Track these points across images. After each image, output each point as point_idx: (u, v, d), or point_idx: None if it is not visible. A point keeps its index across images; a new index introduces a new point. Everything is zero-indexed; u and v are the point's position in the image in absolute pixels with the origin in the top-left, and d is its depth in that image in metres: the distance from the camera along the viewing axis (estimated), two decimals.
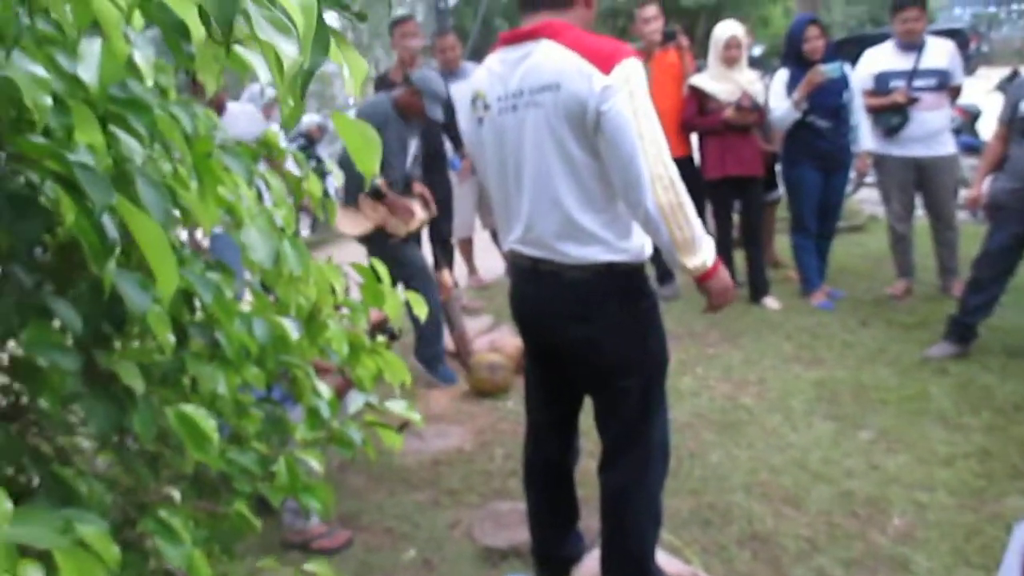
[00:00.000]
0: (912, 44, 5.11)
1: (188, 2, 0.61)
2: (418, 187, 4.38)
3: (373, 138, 1.05)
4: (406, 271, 4.15)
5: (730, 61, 5.24)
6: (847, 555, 2.75)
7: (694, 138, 5.62)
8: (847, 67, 5.22)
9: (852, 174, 5.56)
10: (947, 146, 5.15)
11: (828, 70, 4.96)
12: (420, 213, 4.30)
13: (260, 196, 1.57)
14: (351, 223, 4.17)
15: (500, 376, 4.26)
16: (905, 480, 3.20)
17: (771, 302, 5.44)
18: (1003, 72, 10.99)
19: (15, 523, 0.82)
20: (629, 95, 1.90)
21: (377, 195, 4.15)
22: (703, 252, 2.04)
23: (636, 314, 2.14)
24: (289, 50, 0.63)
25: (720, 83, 5.25)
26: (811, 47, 5.11)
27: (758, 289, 5.51)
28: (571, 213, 2.05)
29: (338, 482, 3.35)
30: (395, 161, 4.20)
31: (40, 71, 0.74)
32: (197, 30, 0.65)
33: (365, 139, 1.03)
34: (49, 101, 0.74)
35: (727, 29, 5.26)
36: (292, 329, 1.42)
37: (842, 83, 5.14)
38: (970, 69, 25.40)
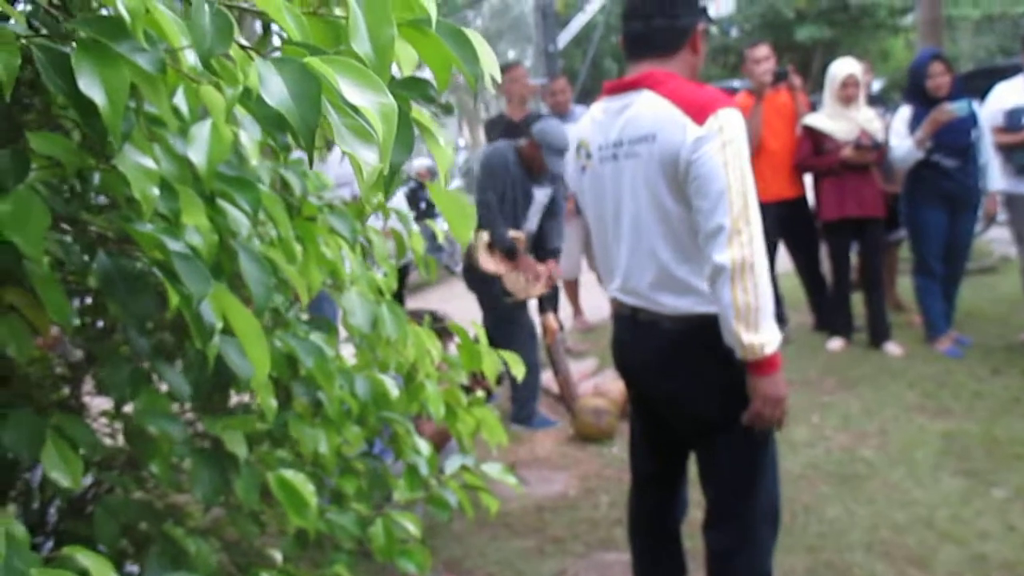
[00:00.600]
0: None
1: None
2: (552, 266, 4.38)
3: (469, 209, 1.06)
4: (511, 328, 4.18)
5: (847, 100, 5.07)
6: None
7: (808, 178, 5.46)
8: (975, 103, 4.97)
9: (980, 214, 5.25)
10: None
11: (954, 109, 4.73)
12: (541, 285, 4.33)
13: (365, 254, 1.61)
14: (491, 260, 4.22)
15: (605, 421, 4.20)
16: None
17: (892, 348, 5.19)
18: None
19: None
20: (721, 145, 1.85)
21: (511, 253, 4.20)
22: (764, 334, 1.88)
23: (733, 368, 2.03)
24: (369, 158, 0.64)
25: (836, 122, 5.09)
26: (935, 84, 4.89)
27: (878, 333, 5.27)
28: (666, 264, 2.02)
29: (441, 526, 3.36)
30: (519, 210, 4.25)
31: (149, 163, 0.78)
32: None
33: (461, 209, 1.04)
34: (156, 192, 0.77)
35: (844, 67, 5.10)
36: (392, 386, 1.44)
37: (970, 121, 4.89)
38: None
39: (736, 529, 2.17)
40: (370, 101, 0.64)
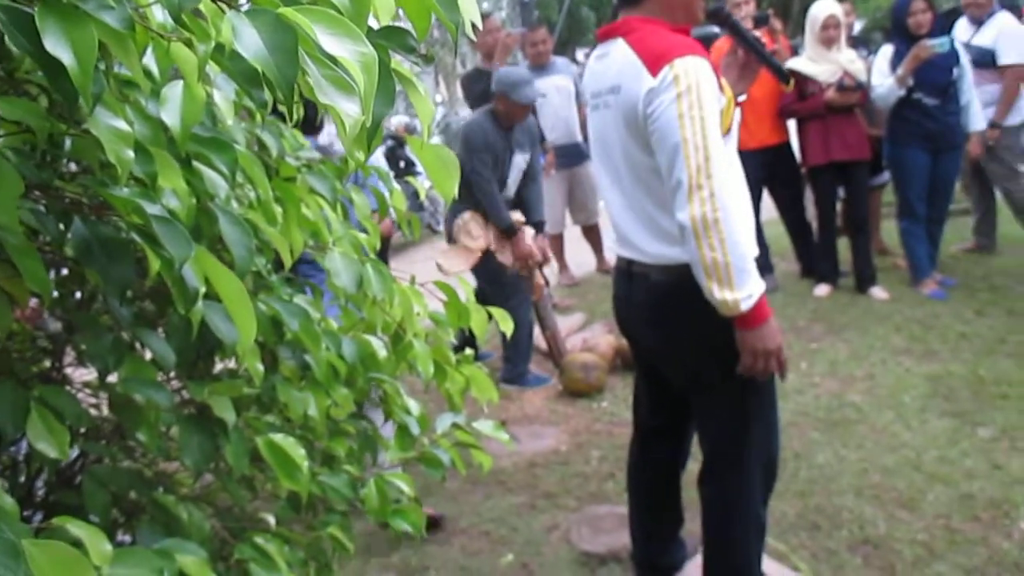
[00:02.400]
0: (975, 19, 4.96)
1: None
2: (541, 241, 4.34)
3: (451, 160, 1.04)
4: (506, 291, 4.16)
5: (828, 41, 5.02)
6: (968, 562, 2.61)
7: (791, 124, 5.43)
8: (958, 41, 4.94)
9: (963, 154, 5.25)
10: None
11: (935, 45, 4.70)
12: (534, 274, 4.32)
13: (346, 213, 1.58)
14: (458, 260, 4.17)
15: (594, 376, 4.22)
16: None
17: (878, 292, 5.22)
18: None
19: (116, 564, 0.84)
20: (675, 97, 1.78)
21: (510, 231, 4.16)
22: (739, 289, 1.83)
23: (723, 318, 1.98)
24: (351, 110, 0.62)
25: (819, 64, 5.05)
26: (916, 21, 4.85)
27: (864, 279, 5.30)
28: (651, 214, 2.00)
29: (435, 485, 3.37)
30: (505, 179, 4.21)
31: (122, 125, 0.75)
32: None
33: (442, 162, 1.02)
34: (131, 155, 0.75)
35: (825, 8, 5.02)
36: (379, 347, 1.42)
37: (952, 58, 4.86)
38: None
39: (731, 483, 2.18)
40: (349, 51, 0.61)
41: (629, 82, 1.88)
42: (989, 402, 3.66)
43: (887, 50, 5.01)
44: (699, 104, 1.79)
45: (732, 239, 1.80)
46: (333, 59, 0.62)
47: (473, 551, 2.99)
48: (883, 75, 4.94)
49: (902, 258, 5.48)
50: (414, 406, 1.52)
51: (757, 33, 5.09)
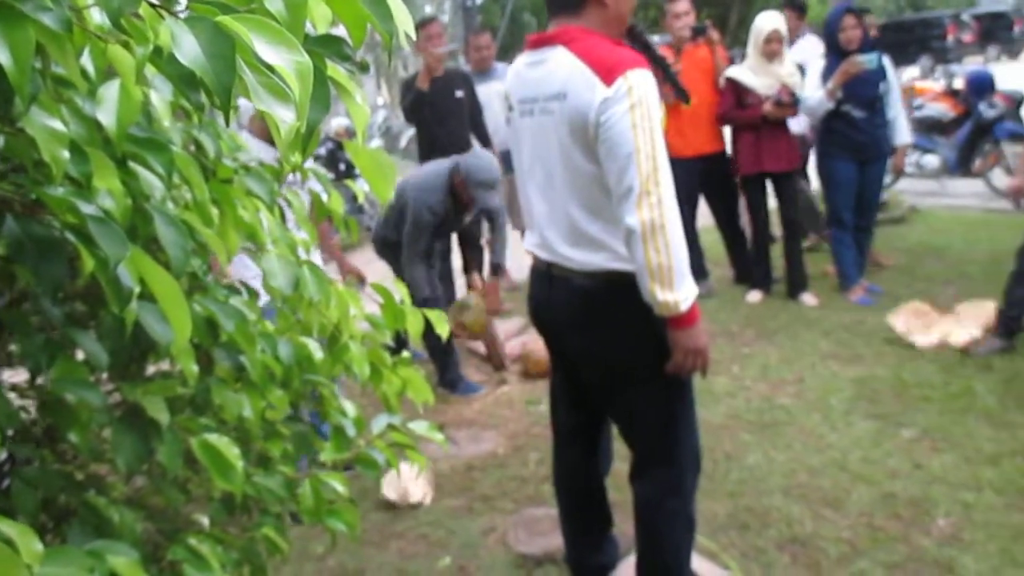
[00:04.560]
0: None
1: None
2: (476, 279, 4.47)
3: (388, 165, 1.05)
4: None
5: (771, 55, 5.17)
6: (890, 558, 2.71)
7: (728, 132, 5.56)
8: (885, 57, 5.13)
9: (889, 166, 5.45)
10: None
11: (864, 61, 4.88)
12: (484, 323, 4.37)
13: (283, 216, 1.58)
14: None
15: (468, 317, 4.26)
16: (950, 480, 3.14)
17: (808, 298, 5.37)
18: None
19: (46, 563, 0.84)
20: (629, 107, 1.86)
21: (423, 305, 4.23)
22: (679, 291, 1.92)
23: (647, 322, 2.05)
24: (286, 116, 0.64)
25: (759, 77, 5.18)
26: (847, 37, 5.02)
27: (795, 285, 5.45)
28: (577, 221, 2.05)
29: (372, 488, 3.37)
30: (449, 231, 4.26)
31: (57, 125, 0.76)
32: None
33: (379, 166, 1.03)
34: (66, 154, 0.75)
35: (769, 22, 5.16)
36: (316, 349, 1.43)
37: (879, 73, 5.05)
38: (1014, 52, 24.98)
39: (661, 477, 2.24)
40: (285, 59, 0.63)
41: (579, 90, 1.92)
42: (911, 404, 3.80)
43: (820, 63, 5.19)
44: (649, 115, 1.88)
45: (675, 243, 1.89)
46: (269, 67, 0.63)
47: (410, 554, 3.00)
48: (814, 87, 5.10)
49: (831, 266, 5.64)
50: (350, 408, 1.52)
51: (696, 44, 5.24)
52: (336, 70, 0.76)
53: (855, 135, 5.10)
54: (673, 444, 2.21)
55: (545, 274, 2.21)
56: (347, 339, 1.40)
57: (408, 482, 3.29)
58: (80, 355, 1.12)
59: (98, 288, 1.09)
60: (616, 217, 1.95)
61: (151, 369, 1.41)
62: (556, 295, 2.18)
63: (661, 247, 1.87)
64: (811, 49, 5.53)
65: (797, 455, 3.42)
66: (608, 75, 1.88)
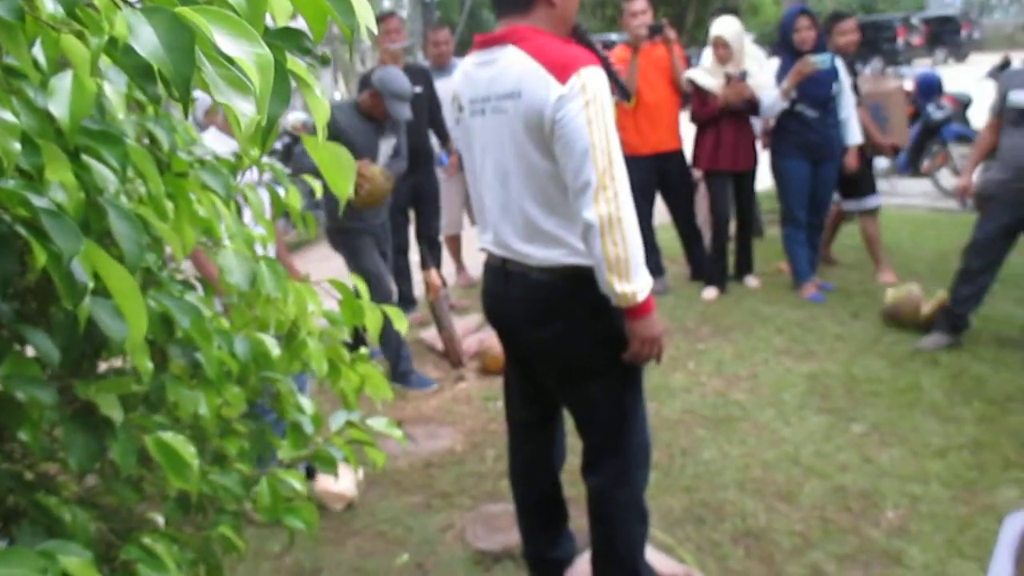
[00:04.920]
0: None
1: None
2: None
3: (346, 158, 1.04)
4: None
5: (721, 60, 5.31)
6: (841, 550, 2.76)
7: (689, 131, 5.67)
8: (838, 59, 5.23)
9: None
10: None
11: (817, 61, 4.97)
12: (388, 180, 4.23)
13: (240, 211, 1.56)
14: None
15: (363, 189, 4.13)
16: (898, 473, 3.21)
17: (752, 280, 5.67)
18: (994, 59, 11.01)
19: None
20: (584, 104, 1.88)
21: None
22: (636, 282, 1.96)
23: (603, 317, 2.10)
24: (246, 109, 0.63)
25: (715, 78, 5.32)
26: (800, 37, 5.13)
27: (743, 267, 5.72)
28: (534, 218, 2.06)
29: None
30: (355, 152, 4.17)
31: (9, 116, 0.74)
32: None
33: (337, 161, 1.03)
34: (17, 147, 0.73)
35: (715, 28, 5.33)
36: (273, 346, 1.42)
37: (832, 74, 5.15)
38: (962, 55, 25.59)
39: (613, 468, 2.27)
40: (245, 52, 0.62)
41: (533, 88, 1.94)
42: (862, 399, 3.88)
43: (774, 63, 5.28)
44: (603, 111, 1.91)
45: (632, 236, 1.93)
46: (229, 59, 0.63)
47: (367, 551, 2.98)
48: (769, 87, 5.19)
49: (785, 263, 5.73)
50: (307, 404, 1.51)
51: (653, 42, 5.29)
52: (296, 63, 0.76)
53: (808, 135, 5.19)
54: (625, 437, 2.24)
55: (500, 270, 2.22)
56: (305, 335, 1.39)
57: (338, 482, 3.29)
58: (30, 351, 1.09)
59: (48, 283, 1.07)
60: (573, 212, 1.98)
61: (102, 366, 1.38)
62: (513, 290, 2.19)
63: (618, 240, 1.90)
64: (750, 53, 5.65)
65: (751, 450, 3.47)
66: (562, 73, 1.90)
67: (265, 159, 1.62)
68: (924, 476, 3.17)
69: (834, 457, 3.36)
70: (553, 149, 1.96)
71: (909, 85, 8.44)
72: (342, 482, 3.32)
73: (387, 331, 4.34)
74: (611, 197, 1.89)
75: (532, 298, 2.16)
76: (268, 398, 1.53)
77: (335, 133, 4.02)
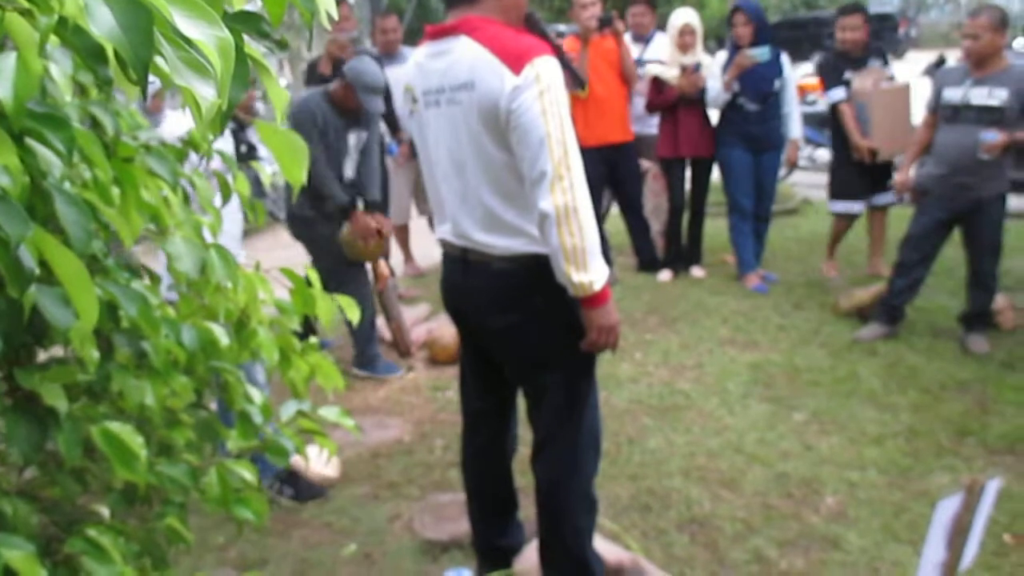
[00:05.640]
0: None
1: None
2: (380, 218, 4.26)
3: (300, 146, 1.03)
4: (344, 274, 4.11)
5: (684, 47, 5.45)
6: (782, 536, 2.83)
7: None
8: (784, 55, 5.34)
9: (783, 159, 5.69)
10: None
11: (755, 54, 5.14)
12: (382, 245, 4.24)
13: (187, 198, 1.53)
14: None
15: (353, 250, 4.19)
16: (837, 460, 3.29)
17: (697, 271, 5.81)
18: (931, 56, 11.30)
19: None
20: (539, 94, 1.88)
21: (345, 212, 4.08)
22: (592, 272, 1.97)
23: (562, 305, 2.11)
24: (206, 92, 0.62)
25: (671, 68, 5.48)
26: (738, 33, 5.32)
27: (691, 258, 5.87)
28: (492, 208, 2.06)
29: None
30: (336, 159, 4.12)
31: None
32: (113, 57, 0.63)
33: (291, 148, 1.01)
34: None
35: (682, 17, 5.49)
36: (221, 335, 1.39)
37: (774, 69, 5.27)
38: (899, 53, 26.20)
39: (563, 457, 2.28)
40: (206, 34, 0.61)
41: (487, 79, 1.93)
42: (803, 388, 3.97)
43: (721, 56, 5.42)
44: (558, 101, 1.91)
45: (588, 226, 1.93)
46: (188, 41, 0.61)
47: (314, 543, 2.96)
48: (716, 79, 5.31)
49: (730, 255, 5.83)
50: (256, 394, 1.49)
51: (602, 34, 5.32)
52: (253, 49, 0.75)
53: (748, 127, 5.33)
54: (577, 425, 2.26)
55: (460, 259, 2.22)
56: (255, 324, 1.37)
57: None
58: None
59: None
60: (531, 201, 1.97)
61: (41, 355, 1.35)
62: (473, 279, 2.19)
63: (575, 230, 1.91)
64: (664, 49, 5.74)
65: (696, 438, 3.53)
66: (516, 63, 1.90)
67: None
68: (861, 463, 3.26)
69: (776, 445, 3.43)
70: (509, 140, 1.96)
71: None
72: (328, 464, 3.32)
73: (362, 324, 4.30)
74: (567, 187, 1.89)
75: (492, 286, 2.16)
76: (216, 388, 1.51)
77: (311, 122, 3.98)
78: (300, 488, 3.23)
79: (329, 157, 4.05)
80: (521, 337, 2.19)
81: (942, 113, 4.26)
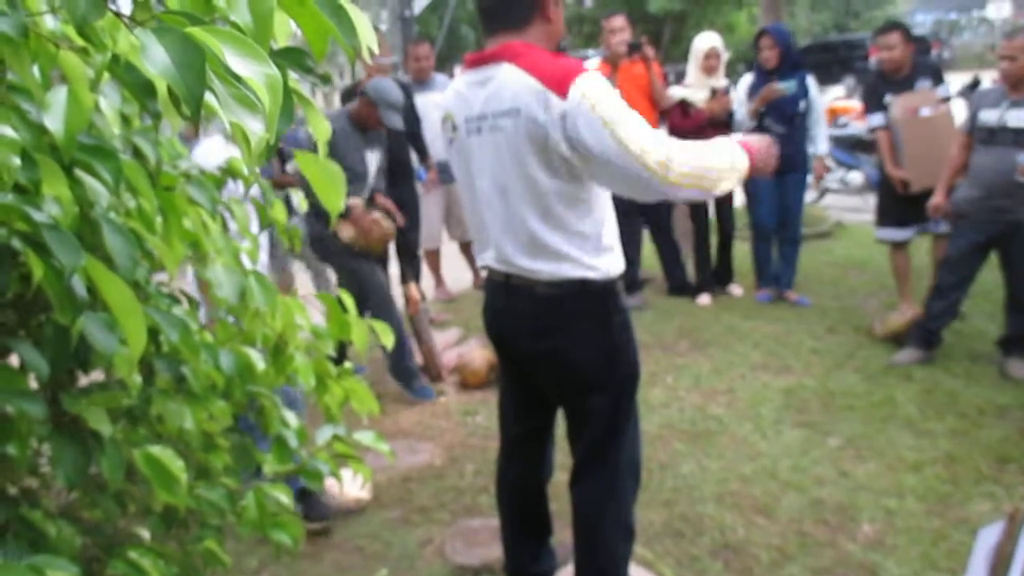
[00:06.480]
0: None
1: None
2: (381, 199, 4.33)
3: (337, 174, 1.05)
4: (365, 291, 4.14)
5: (709, 70, 5.53)
6: (818, 563, 2.78)
7: None
8: (809, 76, 5.34)
9: (810, 179, 5.72)
10: None
11: (783, 88, 5.21)
12: (386, 225, 4.25)
13: (225, 225, 1.57)
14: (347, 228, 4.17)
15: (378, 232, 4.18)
16: (874, 487, 3.24)
17: (735, 289, 5.89)
18: (965, 78, 11.20)
19: None
20: (591, 108, 1.88)
21: (343, 212, 4.11)
22: (732, 158, 2.00)
23: (607, 330, 2.15)
24: (255, 128, 0.64)
25: (698, 91, 5.54)
26: (763, 57, 5.36)
27: (723, 281, 5.93)
28: (537, 234, 2.07)
29: None
30: (358, 177, 4.17)
31: (8, 131, 0.74)
32: (164, 90, 0.65)
33: (329, 176, 1.04)
34: (17, 161, 0.73)
35: (707, 41, 5.56)
36: (258, 359, 1.42)
37: (801, 90, 5.31)
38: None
39: (603, 483, 2.28)
40: (254, 71, 0.63)
41: (532, 105, 1.93)
42: (837, 413, 3.92)
43: (747, 79, 5.45)
44: (611, 102, 1.90)
45: (702, 156, 1.95)
46: (238, 78, 0.63)
47: (345, 566, 2.97)
48: (740, 104, 5.37)
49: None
50: (292, 419, 1.51)
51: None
52: (296, 82, 0.77)
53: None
54: (616, 450, 2.26)
55: (503, 284, 2.22)
56: (292, 350, 1.40)
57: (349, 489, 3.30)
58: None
59: (30, 296, 1.07)
60: (575, 227, 2.02)
61: (82, 379, 1.38)
62: (517, 303, 2.20)
63: (705, 173, 1.94)
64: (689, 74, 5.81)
65: (729, 463, 3.49)
66: (560, 87, 1.90)
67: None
68: (899, 490, 3.21)
69: (811, 471, 3.39)
70: (567, 165, 1.97)
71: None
72: (360, 486, 3.34)
73: (399, 352, 4.33)
74: (665, 163, 1.89)
75: (536, 311, 2.16)
76: (253, 412, 1.53)
77: (334, 142, 4.05)
78: (310, 508, 3.24)
79: (349, 176, 4.10)
80: (567, 360, 2.18)
81: (978, 135, 4.22)
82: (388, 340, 1.50)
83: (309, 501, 3.25)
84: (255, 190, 1.75)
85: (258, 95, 0.62)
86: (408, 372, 4.41)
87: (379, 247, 4.25)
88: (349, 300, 1.50)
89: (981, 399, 3.96)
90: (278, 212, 1.63)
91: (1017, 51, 4.01)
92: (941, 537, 2.88)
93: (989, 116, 4.16)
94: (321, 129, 0.80)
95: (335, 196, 1.05)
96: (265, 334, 1.43)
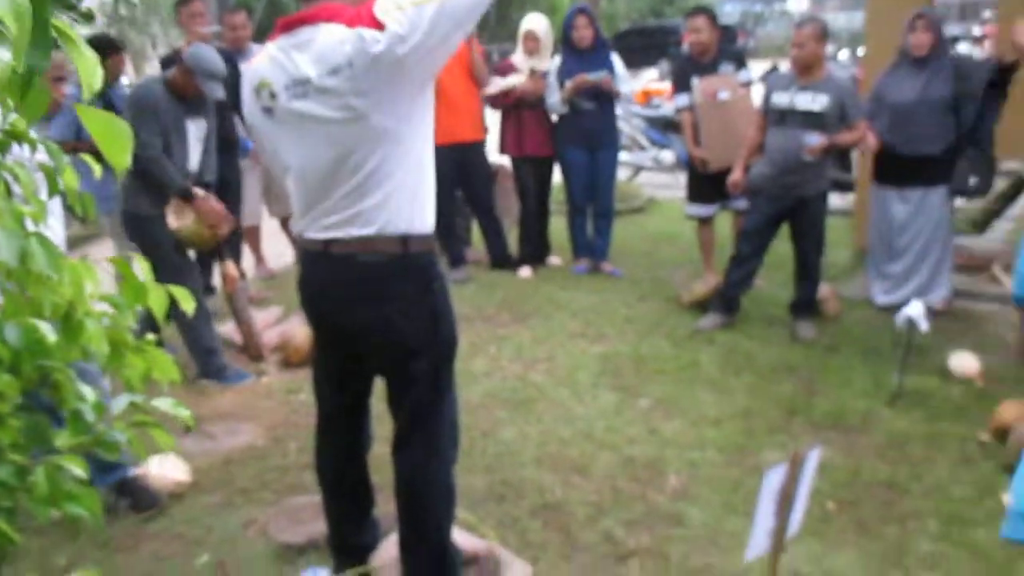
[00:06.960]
0: None
1: None
2: (212, 203, 4.07)
3: (123, 130, 1.02)
4: (175, 276, 3.97)
5: (529, 52, 5.71)
6: (630, 515, 2.95)
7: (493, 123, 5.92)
8: (614, 54, 5.63)
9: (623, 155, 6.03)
10: None
11: (593, 78, 5.44)
12: (224, 226, 4.09)
13: (8, 190, 1.47)
14: (177, 215, 3.95)
15: (185, 228, 4.01)
16: (680, 442, 3.46)
17: (554, 259, 6.13)
18: (767, 66, 12.03)
19: None
20: (399, 8, 1.92)
21: (185, 195, 3.92)
22: None
23: (427, 295, 2.18)
24: (2, 55, 0.61)
25: (520, 72, 5.72)
26: (579, 35, 5.53)
27: (542, 254, 6.16)
28: (353, 197, 2.07)
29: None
30: (176, 148, 3.97)
31: None
32: None
33: (113, 130, 1.00)
34: None
35: (526, 23, 5.80)
36: (48, 331, 1.34)
37: (606, 67, 5.55)
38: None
39: (424, 446, 2.31)
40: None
41: (364, 51, 1.94)
42: (648, 376, 4.15)
43: (557, 60, 5.64)
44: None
45: None
46: None
47: (165, 555, 2.87)
48: (553, 88, 5.60)
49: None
50: (89, 392, 1.45)
51: None
52: (66, 25, 0.74)
53: (584, 124, 5.59)
54: (437, 415, 2.29)
55: (322, 254, 2.19)
56: (82, 316, 1.33)
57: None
58: None
59: None
60: (391, 186, 2.04)
61: None
62: (337, 272, 2.17)
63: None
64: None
65: (548, 428, 3.63)
66: (374, 22, 1.93)
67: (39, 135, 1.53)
68: (702, 443, 3.44)
69: (623, 431, 3.58)
70: (421, 68, 2.00)
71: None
72: (177, 468, 3.22)
73: (196, 329, 4.15)
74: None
75: (359, 278, 2.15)
76: (46, 389, 1.45)
77: (150, 108, 3.84)
78: (138, 497, 3.11)
79: (168, 145, 3.90)
80: (391, 327, 2.19)
81: (771, 117, 4.55)
82: (189, 306, 1.45)
83: (135, 491, 3.11)
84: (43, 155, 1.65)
85: (4, 22, 0.60)
86: (218, 369, 4.26)
87: (207, 242, 4.06)
88: (146, 265, 1.45)
89: (774, 358, 4.30)
90: (68, 178, 1.54)
91: (805, 39, 4.35)
92: (738, 484, 3.13)
93: (780, 99, 4.49)
94: (87, 69, 0.77)
95: (121, 152, 1.02)
96: (55, 302, 1.35)
